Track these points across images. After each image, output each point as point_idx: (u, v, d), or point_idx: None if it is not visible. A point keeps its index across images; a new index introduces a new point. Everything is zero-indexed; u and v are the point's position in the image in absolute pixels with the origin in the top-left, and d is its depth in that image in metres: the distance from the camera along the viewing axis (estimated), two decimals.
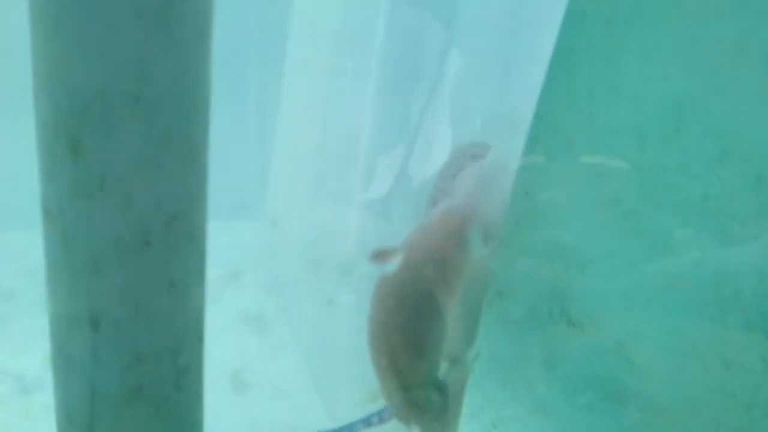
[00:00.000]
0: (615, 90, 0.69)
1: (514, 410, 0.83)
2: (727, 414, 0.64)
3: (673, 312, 0.67)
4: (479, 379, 0.85)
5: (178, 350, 0.41)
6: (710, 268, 0.64)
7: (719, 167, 0.62)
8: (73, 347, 0.39)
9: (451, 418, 0.86)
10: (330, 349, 1.28)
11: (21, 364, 1.35)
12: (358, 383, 1.10)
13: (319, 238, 1.22)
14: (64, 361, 0.39)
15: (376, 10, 1.15)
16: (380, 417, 1.11)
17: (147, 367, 0.40)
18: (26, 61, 0.37)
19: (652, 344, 0.69)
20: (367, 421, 1.12)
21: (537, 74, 0.74)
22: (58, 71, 0.34)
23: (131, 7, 0.34)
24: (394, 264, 0.81)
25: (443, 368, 0.86)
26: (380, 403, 0.98)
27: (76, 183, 0.36)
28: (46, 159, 0.36)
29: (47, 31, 0.34)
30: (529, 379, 0.80)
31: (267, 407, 1.29)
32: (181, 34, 0.36)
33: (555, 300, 0.77)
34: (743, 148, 0.60)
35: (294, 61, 1.32)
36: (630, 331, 0.70)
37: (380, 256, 0.83)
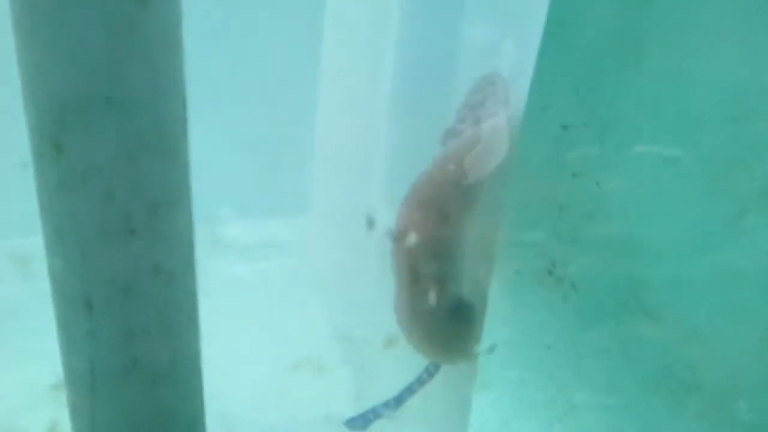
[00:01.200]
0: (681, 76, 0.67)
1: (587, 400, 0.82)
2: None
3: (746, 299, 0.65)
4: (553, 370, 0.85)
5: (169, 329, 0.45)
6: None
7: None
8: (72, 326, 0.43)
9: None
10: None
11: None
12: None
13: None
14: (65, 338, 0.44)
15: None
16: (420, 380, 1.13)
17: (140, 344, 0.44)
18: None
19: (726, 333, 0.67)
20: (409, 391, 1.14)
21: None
22: (38, 79, 0.39)
23: (100, 18, 0.37)
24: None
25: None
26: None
27: (61, 178, 0.40)
28: (36, 157, 0.41)
29: (27, 43, 0.38)
30: (604, 369, 0.80)
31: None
32: (149, 40, 0.39)
33: (630, 290, 0.76)
34: None
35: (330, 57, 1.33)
36: (705, 319, 0.69)
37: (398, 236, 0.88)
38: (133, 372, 0.44)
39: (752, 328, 0.64)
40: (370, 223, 1.17)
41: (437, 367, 1.14)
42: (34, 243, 0.48)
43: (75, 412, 0.47)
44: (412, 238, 0.96)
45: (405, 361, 1.16)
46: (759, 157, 0.62)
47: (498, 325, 0.90)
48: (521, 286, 0.87)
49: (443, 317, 1.02)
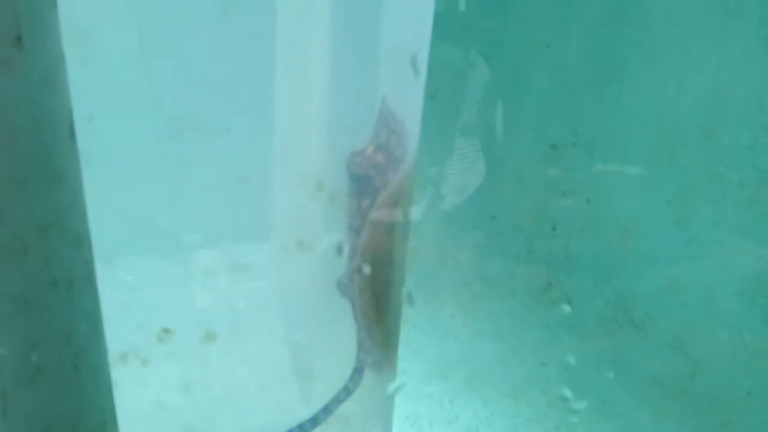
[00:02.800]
0: (660, 93, 0.69)
1: (579, 413, 0.82)
2: None
3: (723, 305, 0.68)
4: (545, 385, 0.85)
5: (71, 338, 0.49)
6: (752, 258, 0.63)
7: (750, 155, 0.61)
8: None
9: None
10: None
11: None
12: None
13: None
14: None
15: None
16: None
17: (43, 353, 0.48)
18: None
19: (706, 338, 0.68)
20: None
21: None
22: None
23: None
24: None
25: None
26: None
27: None
28: None
29: None
30: (595, 382, 0.80)
31: None
32: (28, 80, 0.44)
33: (618, 304, 0.76)
34: None
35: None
36: (686, 327, 0.70)
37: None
38: (38, 379, 0.49)
39: (733, 334, 0.65)
40: (339, 249, 1.20)
41: (360, 375, 1.18)
42: None
43: None
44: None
45: None
46: (735, 169, 0.64)
47: (495, 344, 0.91)
48: (518, 306, 0.88)
49: None
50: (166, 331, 1.19)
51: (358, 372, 1.22)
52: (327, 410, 1.21)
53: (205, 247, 1.24)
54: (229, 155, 1.21)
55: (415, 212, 0.99)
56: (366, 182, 1.12)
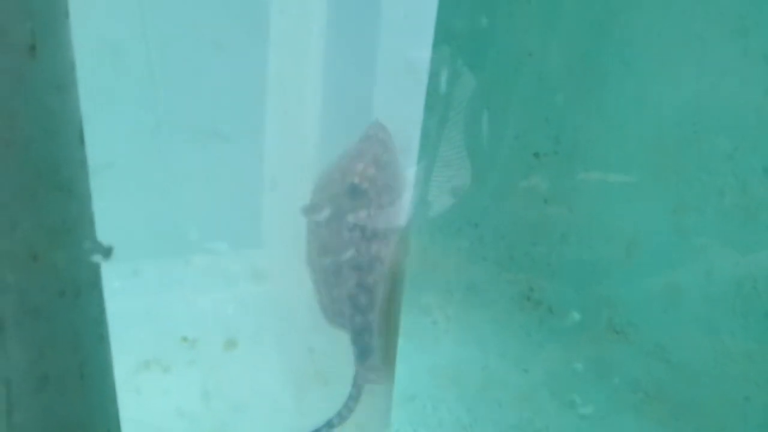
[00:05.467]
0: (638, 100, 0.69)
1: (561, 418, 0.83)
2: (752, 404, 0.66)
3: (703, 311, 0.68)
4: (529, 393, 0.86)
5: (78, 345, 0.49)
6: (731, 264, 0.64)
7: (731, 164, 0.62)
8: None
9: None
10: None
11: None
12: None
13: None
14: None
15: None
16: (340, 416, 1.16)
17: (50, 360, 0.48)
18: None
19: (686, 344, 0.70)
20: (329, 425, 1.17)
21: None
22: None
23: None
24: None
25: None
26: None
27: None
28: None
29: None
30: (577, 387, 0.81)
31: None
32: (41, 89, 0.44)
33: (600, 310, 0.77)
34: (751, 141, 0.60)
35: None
36: (667, 333, 0.71)
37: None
38: (45, 387, 0.49)
39: (714, 340, 0.66)
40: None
41: (355, 401, 1.19)
42: None
43: None
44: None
45: None
46: (716, 177, 0.64)
47: (478, 351, 0.91)
48: (500, 312, 0.89)
49: None
50: (187, 339, 1.19)
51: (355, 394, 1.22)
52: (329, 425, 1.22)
53: (227, 254, 1.25)
54: (251, 163, 1.22)
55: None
56: (361, 194, 1.13)
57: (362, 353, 1.19)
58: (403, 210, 1.13)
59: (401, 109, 1.10)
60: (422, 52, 0.89)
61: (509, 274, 0.87)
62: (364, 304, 1.15)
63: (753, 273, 0.62)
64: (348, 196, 1.12)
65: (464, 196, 0.90)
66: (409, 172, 1.09)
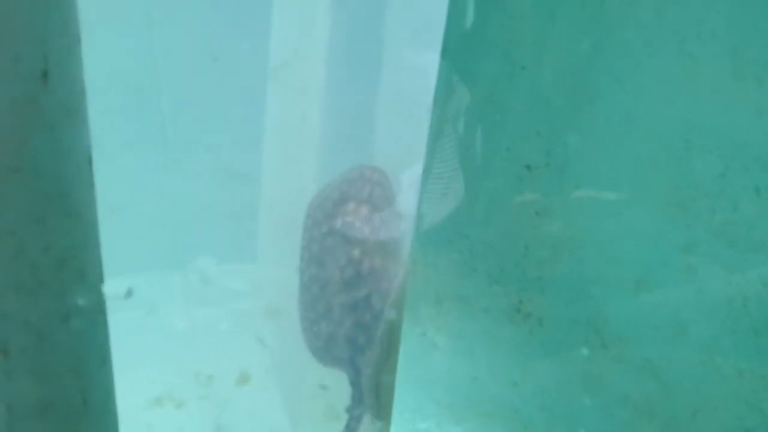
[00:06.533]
0: (630, 117, 0.70)
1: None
2: (741, 421, 0.66)
3: (693, 327, 0.68)
4: (519, 405, 0.86)
5: (81, 371, 0.49)
6: (721, 281, 0.64)
7: (723, 182, 0.62)
8: None
9: None
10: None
11: None
12: None
13: None
14: None
15: None
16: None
17: (53, 385, 0.48)
18: None
19: (676, 360, 0.70)
20: None
21: None
22: None
23: (4, 94, 0.41)
24: None
25: None
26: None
27: None
28: None
29: None
30: (566, 401, 0.81)
31: None
32: (52, 114, 0.44)
33: (590, 325, 0.77)
34: (742, 161, 0.60)
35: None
36: (657, 349, 0.71)
37: None
38: (47, 413, 0.49)
39: (699, 355, 0.66)
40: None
41: (361, 411, 1.18)
42: None
43: None
44: None
45: None
46: (707, 195, 0.65)
47: (466, 363, 0.91)
48: (490, 324, 0.89)
49: None
50: (201, 374, 1.20)
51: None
52: None
53: (242, 293, 1.25)
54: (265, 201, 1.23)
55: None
56: (354, 233, 1.12)
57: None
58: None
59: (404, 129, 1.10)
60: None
61: (499, 286, 0.87)
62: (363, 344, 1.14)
63: (743, 291, 0.63)
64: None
65: (456, 208, 0.90)
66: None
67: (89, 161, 0.47)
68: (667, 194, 0.68)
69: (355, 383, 1.17)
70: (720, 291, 0.64)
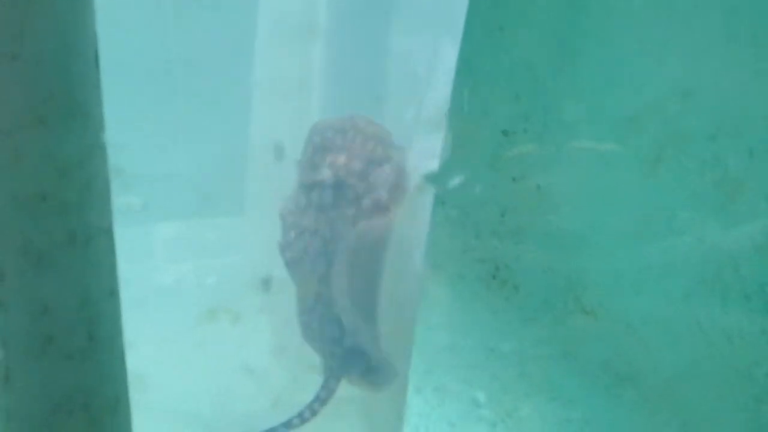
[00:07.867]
0: (615, 79, 0.69)
1: (530, 398, 0.83)
2: (729, 386, 0.66)
3: (678, 291, 0.68)
4: (498, 372, 0.85)
5: (87, 301, 0.43)
6: (710, 244, 0.64)
7: (713, 145, 0.61)
8: None
9: None
10: None
11: None
12: None
13: None
14: None
15: None
16: (301, 418, 1.15)
17: (55, 317, 0.42)
18: None
19: (660, 325, 0.69)
20: (287, 424, 1.15)
21: None
22: None
23: None
24: None
25: None
26: None
27: None
28: None
29: None
30: (546, 367, 0.81)
31: None
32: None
33: (568, 289, 0.77)
34: (735, 123, 0.59)
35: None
36: (639, 314, 0.70)
37: None
38: (49, 349, 0.42)
39: (684, 317, 0.66)
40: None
41: (336, 382, 1.17)
42: None
43: None
44: None
45: None
46: (690, 154, 0.64)
47: (442, 329, 0.90)
48: (465, 290, 0.88)
49: None
50: None
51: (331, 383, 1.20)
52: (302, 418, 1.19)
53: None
54: None
55: None
56: (345, 190, 1.09)
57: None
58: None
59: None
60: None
61: (475, 252, 0.86)
62: None
63: (734, 254, 0.62)
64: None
65: (432, 174, 0.88)
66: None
67: (96, 59, 0.40)
68: (652, 156, 0.67)
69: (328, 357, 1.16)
70: (709, 255, 0.64)
